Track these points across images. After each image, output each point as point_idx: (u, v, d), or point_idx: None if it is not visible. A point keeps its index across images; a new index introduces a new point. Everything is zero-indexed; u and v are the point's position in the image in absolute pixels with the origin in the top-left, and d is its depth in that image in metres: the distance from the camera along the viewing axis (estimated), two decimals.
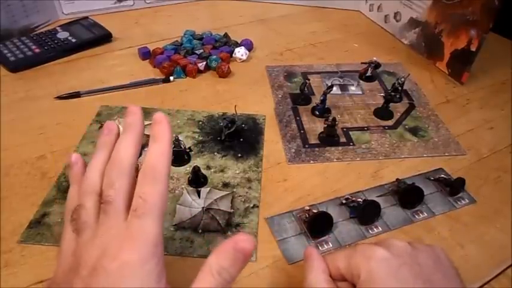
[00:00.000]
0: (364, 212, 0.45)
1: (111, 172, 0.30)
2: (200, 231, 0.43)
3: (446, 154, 0.55)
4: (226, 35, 0.78)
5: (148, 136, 0.55)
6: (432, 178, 0.50)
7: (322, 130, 0.56)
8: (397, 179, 0.49)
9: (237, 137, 0.55)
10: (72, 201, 0.32)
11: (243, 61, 0.73)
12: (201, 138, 0.55)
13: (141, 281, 0.26)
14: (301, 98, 0.63)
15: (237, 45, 0.75)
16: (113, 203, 0.29)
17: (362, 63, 0.70)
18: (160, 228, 0.28)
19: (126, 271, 0.26)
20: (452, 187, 0.48)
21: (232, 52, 0.73)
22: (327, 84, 0.65)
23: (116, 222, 0.28)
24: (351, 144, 0.55)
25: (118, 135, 0.34)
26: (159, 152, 0.30)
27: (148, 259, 0.27)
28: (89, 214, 0.29)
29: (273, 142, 0.55)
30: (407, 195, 0.47)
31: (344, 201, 0.47)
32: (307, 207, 0.45)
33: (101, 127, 0.56)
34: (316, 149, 0.54)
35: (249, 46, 0.75)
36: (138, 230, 0.27)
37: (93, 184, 0.31)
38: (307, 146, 0.55)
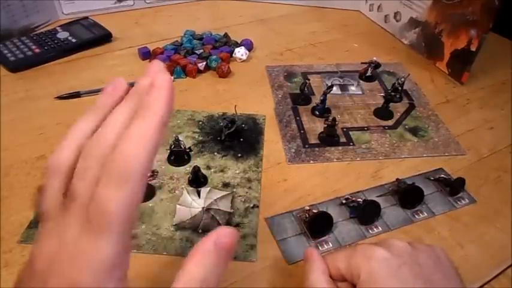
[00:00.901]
0: (364, 212, 0.45)
1: (91, 153, 0.22)
2: (200, 231, 0.43)
3: (446, 154, 0.55)
4: (226, 35, 0.78)
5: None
6: (432, 178, 0.50)
7: (322, 130, 0.56)
8: (397, 179, 0.49)
9: (237, 137, 0.55)
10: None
11: (243, 61, 0.73)
12: (201, 138, 0.55)
13: None
14: (301, 98, 0.63)
15: (237, 45, 0.75)
16: (77, 199, 0.21)
17: (362, 63, 0.70)
18: (122, 246, 0.21)
19: None
20: (452, 187, 0.48)
21: (232, 52, 0.73)
22: (327, 84, 0.65)
23: (73, 228, 0.21)
24: (351, 144, 0.55)
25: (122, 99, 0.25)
26: (141, 136, 0.21)
27: (102, 284, 0.21)
28: (52, 202, 0.23)
29: (273, 142, 0.55)
30: (407, 195, 0.47)
31: (344, 201, 0.47)
32: (307, 207, 0.45)
33: None
34: (316, 149, 0.54)
35: (249, 46, 0.75)
36: (89, 250, 0.21)
37: (65, 159, 0.23)
38: (307, 146, 0.55)
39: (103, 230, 0.20)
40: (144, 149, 0.21)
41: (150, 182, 0.47)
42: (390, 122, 0.60)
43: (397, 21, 0.81)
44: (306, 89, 0.62)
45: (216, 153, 0.53)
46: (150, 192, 0.47)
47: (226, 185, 0.49)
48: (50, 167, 0.24)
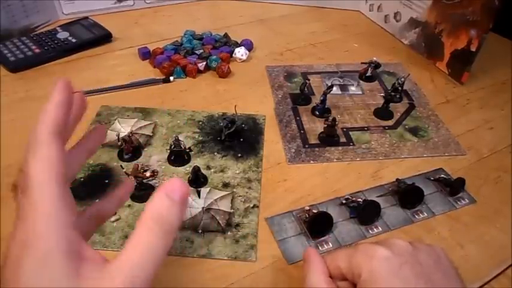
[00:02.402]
0: (364, 212, 0.45)
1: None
2: (200, 231, 0.43)
3: (446, 154, 0.55)
4: (226, 35, 0.78)
5: (148, 136, 0.55)
6: (432, 178, 0.50)
7: (322, 130, 0.56)
8: (397, 179, 0.49)
9: (237, 137, 0.55)
10: None
11: (243, 61, 0.73)
12: (201, 138, 0.55)
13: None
14: (301, 98, 0.63)
15: (237, 45, 0.75)
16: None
17: (362, 63, 0.70)
18: (59, 199, 0.23)
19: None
20: (452, 187, 0.48)
21: (232, 52, 0.73)
22: (327, 84, 0.65)
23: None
24: (351, 144, 0.55)
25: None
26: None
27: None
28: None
29: (273, 142, 0.55)
30: (407, 195, 0.47)
31: (344, 201, 0.47)
32: (307, 207, 0.45)
33: None
34: (316, 149, 0.54)
35: (249, 46, 0.75)
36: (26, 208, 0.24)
37: None
38: (307, 146, 0.55)
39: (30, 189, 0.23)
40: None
41: (150, 182, 0.47)
42: (390, 122, 0.60)
43: (397, 21, 0.81)
44: (306, 89, 0.62)
45: (216, 153, 0.53)
46: (150, 192, 0.47)
47: (226, 185, 0.48)
48: None
